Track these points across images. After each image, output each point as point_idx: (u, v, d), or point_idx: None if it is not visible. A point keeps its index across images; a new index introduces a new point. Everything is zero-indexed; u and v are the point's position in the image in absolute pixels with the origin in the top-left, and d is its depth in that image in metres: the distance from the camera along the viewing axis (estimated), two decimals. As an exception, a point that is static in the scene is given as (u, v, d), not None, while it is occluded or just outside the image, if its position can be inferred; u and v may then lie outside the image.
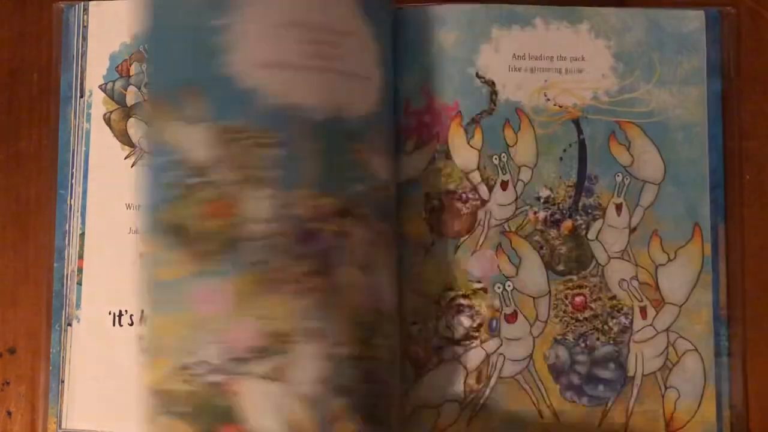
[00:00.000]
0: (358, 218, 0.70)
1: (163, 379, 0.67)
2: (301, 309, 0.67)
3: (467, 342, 0.81)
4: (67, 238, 0.83)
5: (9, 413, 0.82)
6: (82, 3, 0.84)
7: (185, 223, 0.67)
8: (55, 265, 0.83)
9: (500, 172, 0.82)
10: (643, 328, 0.81)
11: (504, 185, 0.82)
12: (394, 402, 0.73)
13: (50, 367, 0.82)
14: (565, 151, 0.83)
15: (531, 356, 0.81)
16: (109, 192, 0.83)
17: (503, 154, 0.82)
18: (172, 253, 0.67)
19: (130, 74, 0.84)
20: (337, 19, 0.73)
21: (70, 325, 0.82)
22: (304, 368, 0.66)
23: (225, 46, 0.67)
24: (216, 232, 0.66)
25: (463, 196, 0.82)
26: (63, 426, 0.81)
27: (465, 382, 0.80)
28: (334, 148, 0.70)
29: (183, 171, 0.67)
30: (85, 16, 0.84)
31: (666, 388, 0.81)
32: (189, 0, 0.69)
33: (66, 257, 0.82)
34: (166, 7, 0.70)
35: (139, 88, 0.84)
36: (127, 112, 0.84)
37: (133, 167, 0.83)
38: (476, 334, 0.81)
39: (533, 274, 0.82)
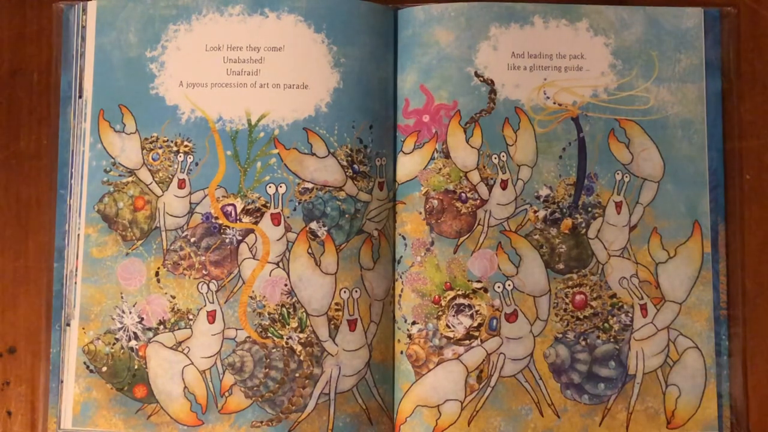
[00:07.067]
0: (270, 218, 0.83)
1: (90, 342, 0.82)
2: (204, 293, 0.82)
3: (468, 341, 0.81)
4: (67, 238, 0.83)
5: (9, 413, 0.82)
6: (82, 3, 0.84)
7: (116, 213, 0.83)
8: (55, 265, 0.83)
9: (500, 171, 0.82)
10: (643, 325, 0.81)
11: (503, 184, 0.82)
12: (289, 387, 0.80)
13: (50, 367, 0.82)
14: (564, 149, 0.83)
15: (531, 355, 0.81)
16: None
17: (503, 153, 0.82)
18: (104, 235, 0.83)
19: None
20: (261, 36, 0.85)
21: (69, 325, 0.82)
22: (202, 344, 0.81)
23: (155, 71, 0.84)
24: (139, 222, 0.83)
25: (463, 195, 0.82)
26: (63, 426, 0.81)
27: (466, 381, 0.80)
28: (248, 154, 0.83)
29: (117, 171, 0.84)
30: (85, 16, 0.84)
31: (667, 385, 0.81)
32: (128, 35, 0.85)
33: (66, 257, 0.83)
34: (111, 39, 0.85)
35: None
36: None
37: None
38: (476, 333, 0.81)
39: (533, 273, 0.82)
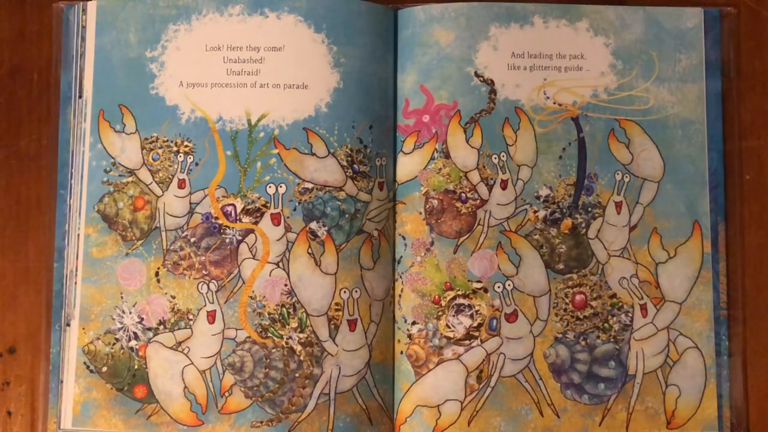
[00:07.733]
0: (270, 218, 0.82)
1: (90, 342, 0.82)
2: (204, 293, 0.82)
3: (468, 341, 0.81)
4: (67, 238, 0.83)
5: (9, 413, 0.82)
6: (82, 3, 0.84)
7: (116, 213, 0.83)
8: (55, 265, 0.83)
9: (500, 171, 0.82)
10: (643, 325, 0.81)
11: (503, 184, 0.82)
12: (289, 387, 0.80)
13: (50, 367, 0.82)
14: (564, 149, 0.83)
15: (531, 355, 0.81)
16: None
17: (503, 153, 0.82)
18: (104, 236, 0.83)
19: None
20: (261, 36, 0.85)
21: (69, 325, 0.82)
22: (202, 344, 0.81)
23: (155, 71, 0.84)
24: (139, 222, 0.83)
25: (463, 195, 0.82)
26: (63, 426, 0.81)
27: (466, 381, 0.80)
28: (248, 154, 0.83)
29: (117, 172, 0.84)
30: (85, 16, 0.84)
31: (667, 385, 0.81)
32: (128, 35, 0.85)
33: (66, 257, 0.83)
34: (111, 39, 0.85)
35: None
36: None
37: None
38: (476, 333, 0.81)
39: (533, 273, 0.82)
